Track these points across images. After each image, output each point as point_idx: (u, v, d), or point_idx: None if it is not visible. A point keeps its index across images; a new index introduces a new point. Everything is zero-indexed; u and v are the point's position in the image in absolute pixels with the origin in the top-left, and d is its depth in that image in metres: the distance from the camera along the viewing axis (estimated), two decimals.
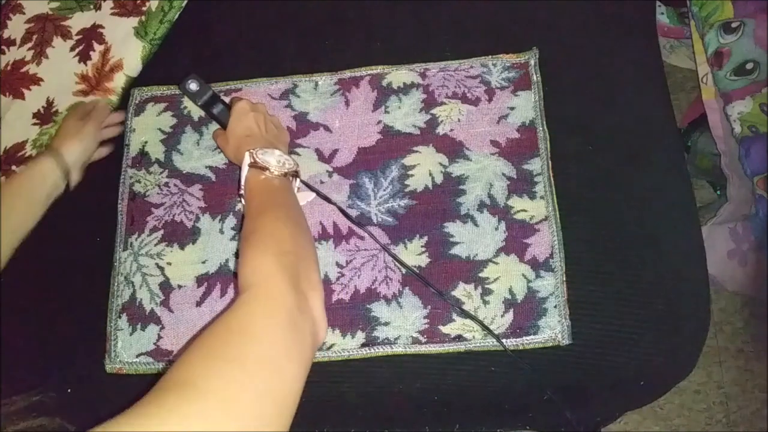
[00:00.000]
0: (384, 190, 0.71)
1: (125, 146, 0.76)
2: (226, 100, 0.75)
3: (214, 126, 0.75)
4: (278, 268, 0.46)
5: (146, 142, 0.76)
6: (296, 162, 0.62)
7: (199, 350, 0.40)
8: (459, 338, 0.65)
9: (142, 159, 0.75)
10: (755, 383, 1.18)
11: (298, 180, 0.64)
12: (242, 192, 0.60)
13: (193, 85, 0.73)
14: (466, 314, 0.64)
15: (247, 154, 0.60)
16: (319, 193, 0.69)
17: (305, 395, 0.41)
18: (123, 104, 0.79)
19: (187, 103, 0.78)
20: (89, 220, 0.74)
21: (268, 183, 0.59)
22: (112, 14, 0.83)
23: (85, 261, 0.72)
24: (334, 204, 0.69)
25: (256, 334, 0.41)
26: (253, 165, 0.59)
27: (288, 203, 0.58)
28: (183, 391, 0.35)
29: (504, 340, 0.64)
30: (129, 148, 0.76)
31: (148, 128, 0.77)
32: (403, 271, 0.67)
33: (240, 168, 0.61)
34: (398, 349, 0.65)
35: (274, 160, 0.60)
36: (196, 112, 0.77)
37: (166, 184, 0.73)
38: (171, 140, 0.76)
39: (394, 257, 0.67)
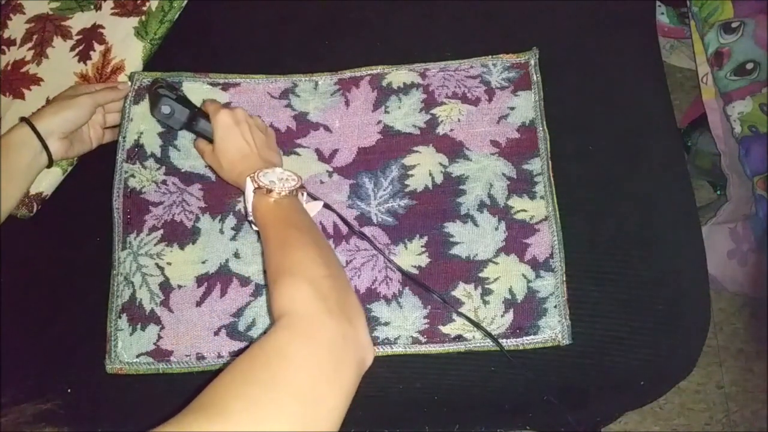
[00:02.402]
0: (384, 190, 0.71)
1: (121, 137, 0.74)
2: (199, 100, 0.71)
3: None
4: (316, 295, 0.45)
5: (142, 133, 0.74)
6: (299, 176, 0.61)
7: (232, 373, 0.39)
8: (459, 338, 0.65)
9: (137, 152, 0.73)
10: (755, 383, 1.18)
11: (305, 194, 0.64)
12: (251, 219, 0.59)
13: (165, 109, 0.66)
14: (464, 317, 0.64)
15: (248, 180, 0.58)
16: (326, 205, 0.68)
17: None
18: None
19: (187, 95, 0.75)
20: (89, 219, 0.74)
21: (280, 205, 0.57)
22: (113, 14, 0.82)
23: (85, 261, 0.72)
24: (338, 214, 0.68)
25: (293, 360, 0.40)
26: (257, 189, 0.58)
27: (307, 224, 0.57)
28: (207, 413, 0.35)
29: (504, 341, 0.64)
30: (125, 140, 0.74)
31: (146, 118, 0.74)
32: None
33: (243, 193, 0.60)
34: (398, 350, 0.65)
35: (276, 179, 0.59)
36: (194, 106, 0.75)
37: (164, 182, 0.72)
38: (168, 134, 0.74)
39: (391, 262, 0.67)
